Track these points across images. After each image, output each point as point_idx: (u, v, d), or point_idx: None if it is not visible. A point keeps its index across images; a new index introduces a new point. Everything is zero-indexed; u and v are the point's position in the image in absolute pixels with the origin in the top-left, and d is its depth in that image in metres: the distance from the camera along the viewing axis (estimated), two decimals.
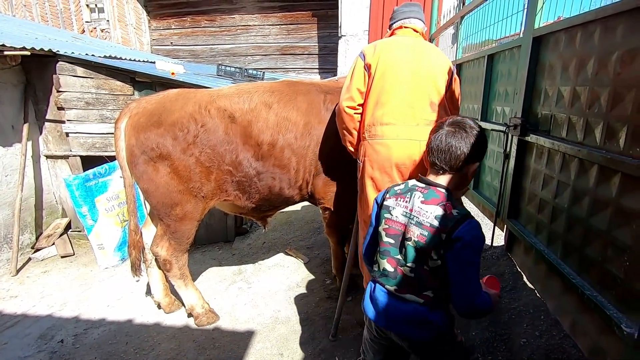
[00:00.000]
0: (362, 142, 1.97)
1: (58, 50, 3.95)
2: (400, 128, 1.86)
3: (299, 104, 2.23)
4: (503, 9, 3.11)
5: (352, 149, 2.05)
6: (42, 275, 3.80)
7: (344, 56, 7.17)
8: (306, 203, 2.90)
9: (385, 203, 1.34)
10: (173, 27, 9.04)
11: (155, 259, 2.66)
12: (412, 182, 1.34)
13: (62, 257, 4.13)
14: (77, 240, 4.46)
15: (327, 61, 8.30)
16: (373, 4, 6.63)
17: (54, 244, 4.23)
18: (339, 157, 2.23)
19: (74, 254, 4.21)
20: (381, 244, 1.33)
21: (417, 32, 2.02)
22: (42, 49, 3.80)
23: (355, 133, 1.99)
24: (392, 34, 2.07)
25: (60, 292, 3.43)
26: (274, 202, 2.37)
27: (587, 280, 1.72)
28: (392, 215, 1.30)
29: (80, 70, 4.06)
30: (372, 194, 1.94)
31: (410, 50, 1.92)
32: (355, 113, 1.94)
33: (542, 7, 2.21)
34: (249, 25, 8.58)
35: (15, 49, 3.56)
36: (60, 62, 4.01)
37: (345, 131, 2.00)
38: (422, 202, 1.23)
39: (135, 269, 2.59)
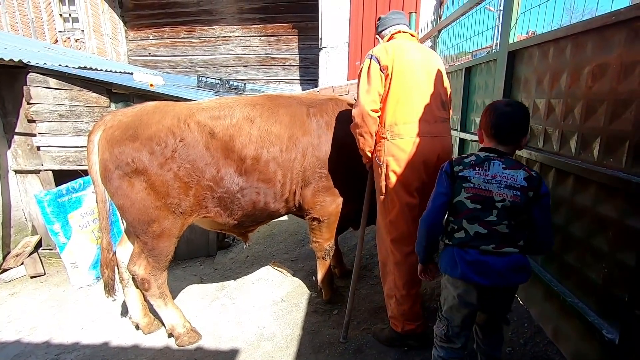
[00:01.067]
0: (382, 143, 1.99)
1: (29, 61, 3.80)
2: (422, 125, 1.94)
3: (281, 117, 2.22)
4: (476, 24, 3.26)
5: (369, 153, 2.06)
6: (9, 298, 3.57)
7: (325, 67, 7.25)
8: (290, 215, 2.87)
9: (460, 174, 1.47)
10: (151, 37, 8.91)
11: (133, 278, 2.55)
12: (482, 153, 1.49)
13: (31, 277, 3.91)
14: (48, 259, 4.24)
15: (308, 72, 8.37)
16: (352, 17, 6.76)
17: (22, 263, 4.00)
18: (328, 166, 2.25)
19: (44, 274, 3.99)
20: (465, 212, 1.46)
21: (413, 36, 2.14)
22: (11, 60, 3.64)
23: (374, 136, 2.01)
24: (390, 38, 2.12)
25: (30, 315, 3.23)
26: (258, 217, 2.32)
27: (568, 287, 1.76)
28: (473, 184, 1.45)
29: (53, 82, 3.92)
30: (399, 192, 1.97)
31: (418, 52, 2.03)
32: (377, 115, 1.97)
33: (516, 22, 2.30)
34: (229, 37, 8.56)
35: None
36: (31, 73, 3.86)
37: (367, 135, 2.00)
38: (504, 168, 1.44)
39: (109, 289, 2.46)
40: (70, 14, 8.60)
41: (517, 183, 1.41)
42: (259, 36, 8.44)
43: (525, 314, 2.10)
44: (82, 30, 8.57)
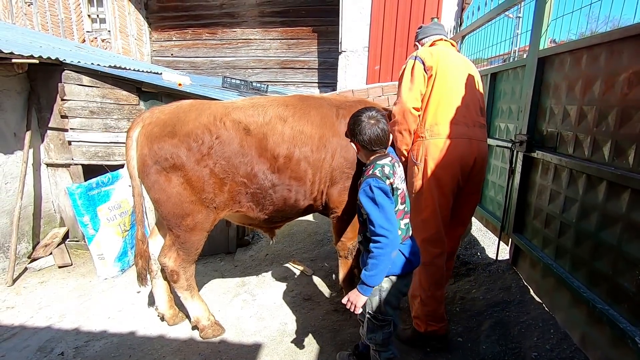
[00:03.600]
0: (421, 142, 2.04)
1: (65, 59, 3.96)
2: (462, 128, 1.99)
3: (313, 117, 2.27)
4: (494, 31, 3.36)
5: (406, 152, 2.12)
6: (39, 286, 3.71)
7: (344, 71, 7.30)
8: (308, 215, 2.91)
9: (394, 186, 1.57)
10: (174, 39, 9.13)
11: (162, 270, 2.64)
12: (387, 160, 1.61)
13: (59, 267, 4.04)
14: (74, 250, 4.38)
15: (327, 76, 8.44)
16: (373, 22, 6.81)
17: (51, 253, 4.15)
18: (355, 167, 2.30)
19: (71, 264, 4.12)
20: (399, 214, 1.61)
21: (453, 45, 2.23)
22: (49, 58, 3.81)
23: (412, 134, 2.07)
24: (432, 44, 2.21)
25: (59, 303, 3.35)
26: (288, 213, 2.38)
27: (598, 294, 1.76)
28: (400, 188, 1.61)
29: (86, 80, 4.07)
30: (434, 191, 2.01)
31: (458, 58, 2.11)
32: (418, 114, 2.04)
33: (547, 30, 2.31)
34: (250, 39, 8.71)
35: (23, 57, 3.56)
36: (66, 71, 4.02)
37: (406, 133, 2.06)
38: (397, 166, 1.64)
39: (142, 279, 2.54)
40: (98, 15, 8.89)
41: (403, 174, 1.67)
42: (279, 39, 8.56)
43: (551, 319, 2.10)
44: (109, 31, 8.84)
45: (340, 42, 7.12)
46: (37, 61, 3.68)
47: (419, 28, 2.37)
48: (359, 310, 1.57)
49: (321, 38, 8.34)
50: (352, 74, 7.30)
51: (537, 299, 2.32)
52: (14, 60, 3.54)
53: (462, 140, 1.98)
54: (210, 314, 2.69)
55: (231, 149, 2.14)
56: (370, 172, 1.56)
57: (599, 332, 1.75)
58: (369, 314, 1.69)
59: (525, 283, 2.49)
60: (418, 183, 2.05)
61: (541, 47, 2.35)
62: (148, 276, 2.63)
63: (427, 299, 2.11)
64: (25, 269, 4.01)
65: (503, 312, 2.33)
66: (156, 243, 2.66)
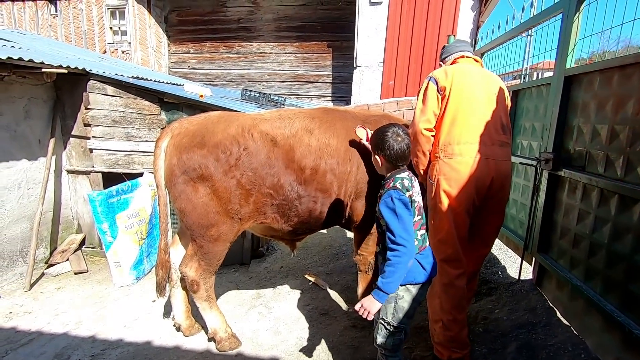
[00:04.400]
0: (435, 162, 2.03)
1: (91, 69, 4.08)
2: (477, 147, 1.95)
3: (339, 130, 2.29)
4: (506, 51, 3.47)
5: (422, 172, 2.11)
6: (56, 292, 3.73)
7: (358, 86, 7.37)
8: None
9: (412, 198, 1.64)
10: (192, 51, 9.36)
11: (181, 279, 2.64)
12: (406, 174, 1.68)
13: (75, 273, 4.07)
14: (90, 257, 4.42)
15: (340, 90, 8.53)
16: (388, 38, 6.90)
17: (68, 259, 4.19)
18: (379, 180, 2.29)
19: (87, 271, 4.15)
20: (415, 225, 1.66)
21: (477, 61, 2.20)
22: (76, 68, 3.92)
23: (428, 155, 2.06)
24: (454, 62, 2.20)
25: (75, 309, 3.36)
26: (312, 225, 2.38)
27: (633, 318, 1.71)
28: (417, 201, 1.67)
29: (110, 89, 4.18)
30: (449, 211, 1.98)
31: (479, 75, 2.07)
32: (431, 135, 2.03)
33: (574, 48, 2.31)
34: (266, 53, 8.88)
35: (52, 66, 3.68)
36: (91, 81, 4.13)
37: (420, 154, 2.06)
38: (415, 180, 1.72)
39: (161, 290, 2.54)
40: (119, 27, 9.17)
41: (421, 189, 1.73)
42: (294, 53, 8.72)
43: (581, 344, 2.03)
44: (129, 43, 9.09)
45: (355, 57, 7.20)
46: (65, 71, 3.79)
47: (442, 48, 2.37)
48: (371, 317, 1.59)
49: (336, 53, 8.47)
50: (367, 89, 7.36)
51: (565, 321, 2.25)
52: (43, 70, 3.65)
53: (477, 160, 1.93)
54: (228, 326, 2.67)
55: (258, 160, 2.15)
56: (391, 184, 1.62)
57: (634, 359, 1.69)
58: (383, 320, 1.72)
59: (552, 304, 2.42)
60: (433, 203, 2.03)
61: (568, 66, 2.35)
62: (167, 287, 2.63)
63: (450, 323, 2.05)
64: (43, 274, 4.04)
65: (529, 334, 2.26)
66: (177, 252, 2.67)
